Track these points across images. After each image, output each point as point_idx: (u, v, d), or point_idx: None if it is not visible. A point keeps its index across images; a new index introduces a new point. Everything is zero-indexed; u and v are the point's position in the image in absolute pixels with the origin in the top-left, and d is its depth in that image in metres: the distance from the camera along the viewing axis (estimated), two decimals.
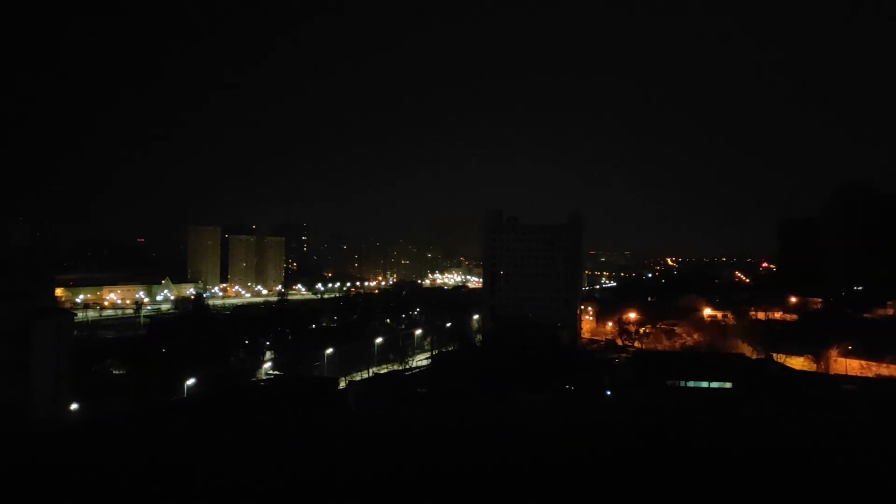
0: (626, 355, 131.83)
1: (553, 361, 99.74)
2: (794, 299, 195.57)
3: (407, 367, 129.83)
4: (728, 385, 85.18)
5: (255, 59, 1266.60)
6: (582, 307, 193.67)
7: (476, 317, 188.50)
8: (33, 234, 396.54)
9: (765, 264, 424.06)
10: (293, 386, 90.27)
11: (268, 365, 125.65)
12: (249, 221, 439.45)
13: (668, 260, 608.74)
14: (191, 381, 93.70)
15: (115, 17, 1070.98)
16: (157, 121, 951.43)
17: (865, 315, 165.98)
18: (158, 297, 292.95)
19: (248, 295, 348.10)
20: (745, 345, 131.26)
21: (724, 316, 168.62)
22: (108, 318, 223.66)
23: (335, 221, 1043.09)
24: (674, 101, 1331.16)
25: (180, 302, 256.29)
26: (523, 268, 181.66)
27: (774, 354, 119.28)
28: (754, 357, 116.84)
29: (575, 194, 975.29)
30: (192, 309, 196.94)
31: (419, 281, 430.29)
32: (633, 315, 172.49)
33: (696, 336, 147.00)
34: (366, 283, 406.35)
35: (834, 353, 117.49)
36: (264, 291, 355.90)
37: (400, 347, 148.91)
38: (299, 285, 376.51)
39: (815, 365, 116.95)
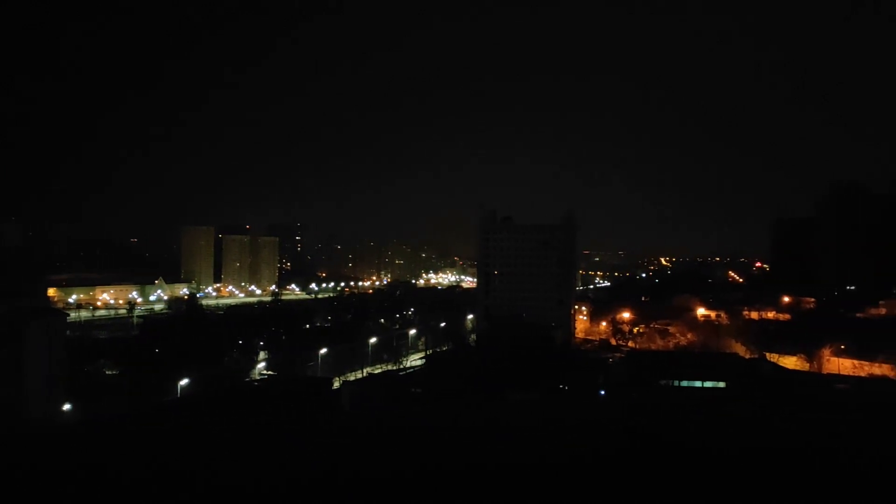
0: (619, 355, 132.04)
1: (546, 361, 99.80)
2: (787, 299, 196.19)
3: (401, 367, 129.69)
4: (721, 385, 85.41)
5: (255, 59, 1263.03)
6: (576, 307, 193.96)
7: (470, 317, 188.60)
8: (26, 234, 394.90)
9: (758, 264, 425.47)
10: (287, 386, 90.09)
11: (262, 365, 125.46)
12: (249, 221, 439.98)
13: (662, 259, 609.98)
14: (184, 382, 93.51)
15: (114, 17, 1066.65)
16: (155, 121, 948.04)
17: (858, 315, 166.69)
18: (152, 297, 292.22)
19: (241, 295, 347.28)
20: (739, 344, 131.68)
21: (718, 315, 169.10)
22: (101, 319, 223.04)
23: (336, 221, 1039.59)
24: (674, 101, 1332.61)
25: (174, 302, 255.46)
26: (517, 268, 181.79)
27: (768, 354, 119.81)
28: (747, 356, 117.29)
29: (575, 194, 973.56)
30: (186, 309, 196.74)
31: (413, 281, 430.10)
32: (626, 315, 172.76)
33: (689, 336, 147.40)
34: (360, 283, 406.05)
35: (827, 352, 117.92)
36: (258, 291, 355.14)
37: (394, 347, 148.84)
38: (293, 285, 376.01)
39: (808, 364, 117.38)
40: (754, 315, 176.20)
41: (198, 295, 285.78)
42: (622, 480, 13.26)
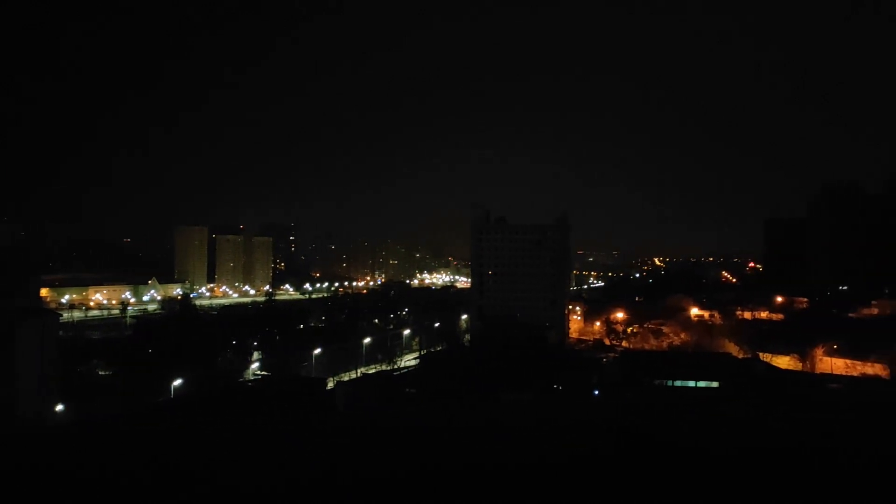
0: (613, 355, 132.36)
1: (540, 361, 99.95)
2: (780, 299, 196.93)
3: (395, 367, 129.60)
4: (715, 384, 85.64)
5: (255, 59, 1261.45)
6: (570, 307, 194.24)
7: (464, 317, 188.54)
8: (18, 233, 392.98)
9: (751, 264, 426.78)
10: (281, 386, 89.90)
11: (255, 365, 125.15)
12: (246, 221, 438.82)
13: (656, 260, 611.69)
14: (178, 382, 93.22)
15: (114, 16, 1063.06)
16: (152, 121, 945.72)
17: (850, 315, 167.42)
18: (145, 298, 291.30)
19: (235, 295, 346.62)
20: (732, 344, 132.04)
21: (711, 315, 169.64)
22: (94, 319, 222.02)
23: (335, 222, 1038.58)
24: (674, 101, 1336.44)
25: (167, 302, 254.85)
26: (511, 268, 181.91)
27: (761, 354, 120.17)
28: (741, 356, 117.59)
29: (574, 194, 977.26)
30: (179, 309, 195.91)
31: (408, 281, 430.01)
32: (620, 315, 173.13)
33: (683, 336, 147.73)
34: (354, 284, 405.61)
35: (819, 352, 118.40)
36: (252, 291, 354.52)
37: (388, 347, 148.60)
38: (287, 285, 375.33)
39: (801, 364, 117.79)
40: (747, 315, 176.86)
41: (191, 295, 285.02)
42: (615, 481, 13.28)
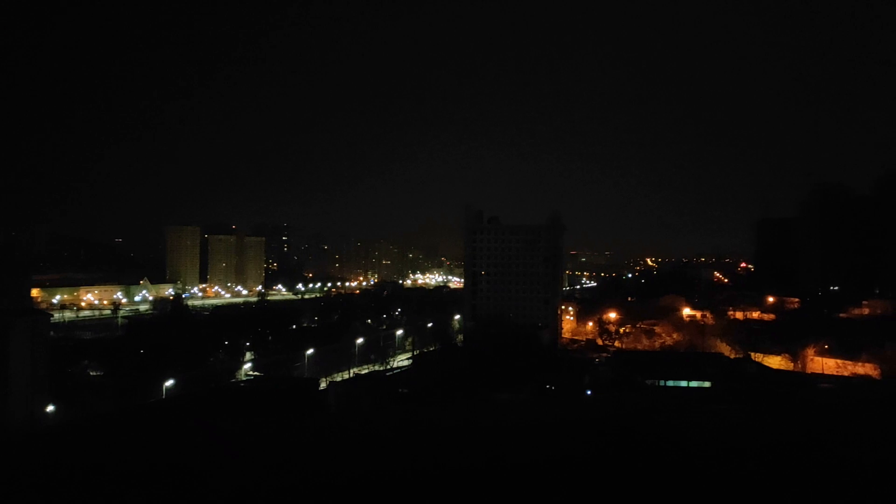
0: (606, 355, 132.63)
1: (532, 361, 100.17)
2: (771, 299, 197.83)
3: (388, 367, 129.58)
4: (707, 384, 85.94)
5: (247, 57, 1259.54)
6: (562, 307, 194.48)
7: (457, 317, 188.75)
8: (8, 233, 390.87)
9: (743, 264, 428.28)
10: (273, 387, 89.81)
11: (248, 366, 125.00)
12: (238, 221, 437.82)
13: (648, 260, 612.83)
14: (170, 383, 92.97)
15: (102, 12, 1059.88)
16: (142, 120, 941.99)
17: (841, 315, 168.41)
18: (136, 298, 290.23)
19: (227, 295, 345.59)
20: (724, 344, 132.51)
21: (703, 316, 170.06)
22: (85, 319, 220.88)
23: (328, 222, 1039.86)
24: (665, 102, 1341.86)
25: (159, 302, 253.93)
26: (504, 268, 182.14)
27: (752, 354, 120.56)
28: (733, 356, 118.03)
29: (567, 194, 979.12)
30: (171, 309, 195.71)
31: (401, 281, 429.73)
32: (613, 315, 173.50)
33: (675, 336, 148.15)
34: (347, 284, 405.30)
35: (811, 352, 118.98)
36: (244, 292, 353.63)
37: (381, 348, 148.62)
38: (280, 285, 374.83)
39: (793, 364, 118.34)
40: (739, 315, 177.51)
41: (183, 295, 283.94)
42: (608, 480, 13.32)
